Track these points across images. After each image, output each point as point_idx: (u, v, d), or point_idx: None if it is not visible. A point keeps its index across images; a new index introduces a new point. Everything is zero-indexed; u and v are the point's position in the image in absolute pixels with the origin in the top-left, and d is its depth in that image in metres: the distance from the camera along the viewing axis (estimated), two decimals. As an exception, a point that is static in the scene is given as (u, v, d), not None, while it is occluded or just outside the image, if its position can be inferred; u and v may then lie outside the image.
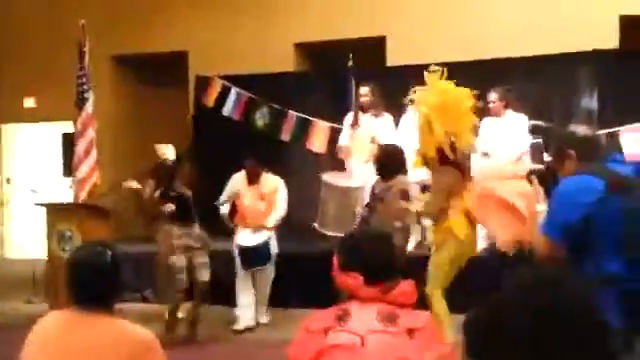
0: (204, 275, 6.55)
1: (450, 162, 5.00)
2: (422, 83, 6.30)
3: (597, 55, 8.44)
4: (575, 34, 8.48)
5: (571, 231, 2.86)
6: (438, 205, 5.06)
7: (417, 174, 6.23)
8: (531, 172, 5.98)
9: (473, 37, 9.00)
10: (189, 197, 6.74)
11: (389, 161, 5.85)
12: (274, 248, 6.93)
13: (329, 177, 7.18)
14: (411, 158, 5.76)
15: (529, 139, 7.41)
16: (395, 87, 7.51)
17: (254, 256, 6.80)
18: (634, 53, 8.55)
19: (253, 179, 6.96)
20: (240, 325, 6.85)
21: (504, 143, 7.19)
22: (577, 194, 2.90)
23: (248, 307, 6.92)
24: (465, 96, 5.12)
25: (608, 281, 2.71)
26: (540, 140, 7.54)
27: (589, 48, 8.37)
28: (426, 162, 5.23)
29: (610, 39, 8.59)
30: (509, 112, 7.40)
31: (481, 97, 5.88)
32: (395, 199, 5.60)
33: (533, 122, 7.33)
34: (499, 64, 8.70)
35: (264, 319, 7.05)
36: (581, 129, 3.27)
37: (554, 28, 8.70)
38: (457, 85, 5.18)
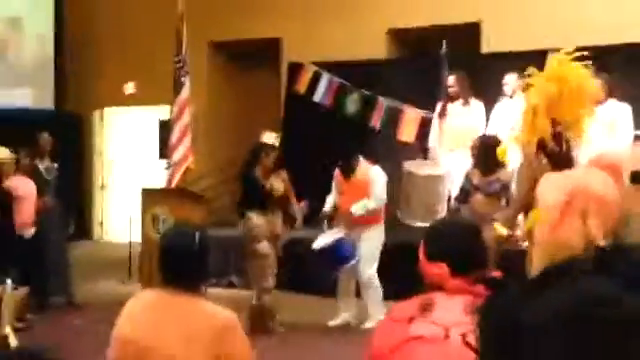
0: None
1: (550, 154, 4.72)
2: (519, 70, 6.09)
3: None
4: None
5: None
6: (516, 209, 4.80)
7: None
8: None
9: (571, 23, 8.65)
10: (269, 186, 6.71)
11: (490, 153, 5.64)
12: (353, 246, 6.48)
13: (411, 166, 7.04)
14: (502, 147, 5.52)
15: (632, 131, 7.07)
16: (490, 74, 7.35)
17: (325, 258, 6.56)
18: None
19: (347, 173, 6.62)
20: (337, 321, 6.70)
21: (606, 133, 6.86)
22: None
23: (346, 304, 6.74)
24: (589, 84, 4.74)
25: None
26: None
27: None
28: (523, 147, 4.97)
29: None
30: (611, 101, 7.08)
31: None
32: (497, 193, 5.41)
33: (637, 132, 6.90)
34: (599, 51, 8.32)
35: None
36: None
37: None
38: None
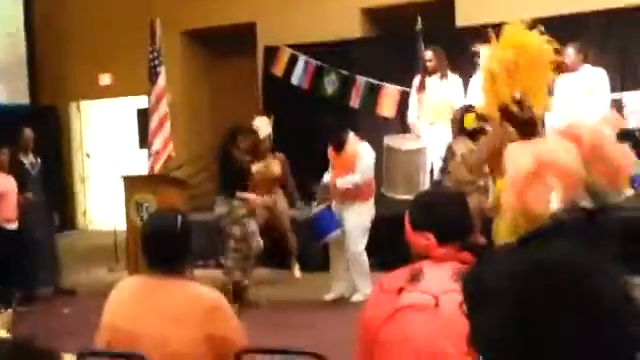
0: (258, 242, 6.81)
1: (513, 119, 4.76)
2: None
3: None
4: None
5: None
6: (478, 159, 4.85)
7: None
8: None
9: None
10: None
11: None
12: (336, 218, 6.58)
13: (392, 140, 7.06)
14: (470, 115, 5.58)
15: (609, 95, 7.12)
16: (465, 48, 7.33)
17: (309, 230, 6.75)
18: None
19: (338, 148, 6.60)
20: (331, 295, 6.76)
21: (583, 99, 6.91)
22: None
23: (338, 278, 6.80)
24: (546, 52, 4.79)
25: None
26: (621, 97, 7.23)
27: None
28: (484, 120, 5.04)
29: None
30: (586, 66, 7.12)
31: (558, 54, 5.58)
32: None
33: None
34: (574, 18, 8.37)
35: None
36: None
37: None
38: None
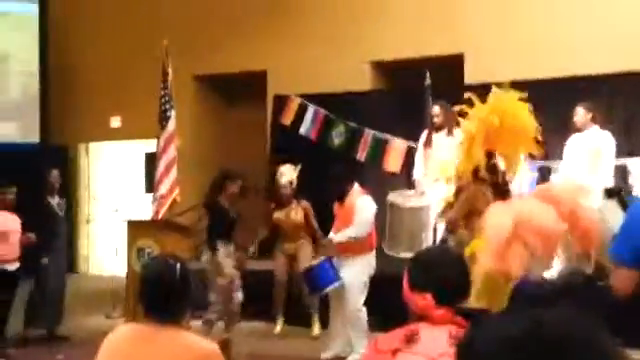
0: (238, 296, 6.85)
1: (485, 182, 4.79)
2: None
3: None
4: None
5: None
6: (455, 217, 4.85)
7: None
8: None
9: (553, 53, 8.75)
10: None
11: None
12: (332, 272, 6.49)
13: (395, 197, 7.05)
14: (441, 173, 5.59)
15: (614, 159, 7.11)
16: (474, 105, 7.38)
17: (307, 281, 6.71)
18: None
19: (340, 198, 6.61)
20: (328, 354, 6.63)
21: (588, 160, 6.90)
22: None
23: (336, 335, 6.68)
24: (530, 125, 4.87)
25: None
26: (625, 163, 7.21)
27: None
28: (459, 178, 5.08)
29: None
30: (595, 127, 7.13)
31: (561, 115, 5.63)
32: None
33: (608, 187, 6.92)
34: (582, 82, 8.43)
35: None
36: None
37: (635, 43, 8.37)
38: (536, 104, 4.95)
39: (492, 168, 4.66)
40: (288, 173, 7.55)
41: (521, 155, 4.81)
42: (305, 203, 7.60)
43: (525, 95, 4.91)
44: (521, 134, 4.79)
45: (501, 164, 4.90)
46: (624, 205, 3.21)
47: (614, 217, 3.45)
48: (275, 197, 7.63)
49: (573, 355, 0.99)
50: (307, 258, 7.40)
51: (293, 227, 7.56)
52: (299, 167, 7.62)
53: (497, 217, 4.05)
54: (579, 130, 7.14)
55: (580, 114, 7.12)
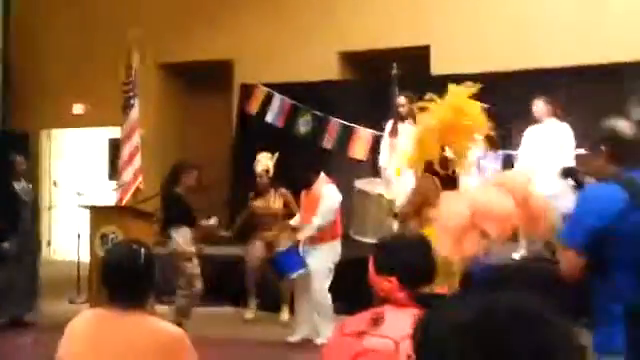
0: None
1: (436, 174, 4.91)
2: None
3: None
4: (622, 43, 8.29)
5: (591, 240, 2.72)
6: (409, 210, 4.96)
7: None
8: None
9: (517, 46, 8.86)
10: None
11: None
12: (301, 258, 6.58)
13: (362, 184, 7.12)
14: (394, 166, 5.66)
15: (574, 150, 7.24)
16: (439, 96, 7.45)
17: (274, 267, 6.80)
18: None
19: (306, 187, 6.69)
20: (294, 337, 6.71)
21: (547, 152, 7.02)
22: (603, 202, 2.75)
23: (302, 320, 6.77)
24: (481, 122, 5.02)
25: (618, 297, 2.68)
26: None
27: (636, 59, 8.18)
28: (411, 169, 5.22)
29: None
30: (552, 120, 7.26)
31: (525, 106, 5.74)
32: None
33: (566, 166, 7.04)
34: (545, 74, 8.56)
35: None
36: (622, 125, 2.94)
37: (600, 36, 8.51)
38: (501, 95, 5.07)
39: (444, 161, 4.79)
40: (264, 161, 7.52)
41: (469, 150, 4.95)
42: (284, 190, 7.56)
43: (476, 91, 5.02)
44: (472, 130, 4.93)
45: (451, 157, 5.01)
46: (580, 185, 3.29)
47: (569, 198, 3.55)
48: (254, 185, 7.57)
49: (523, 337, 1.00)
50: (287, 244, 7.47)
51: (272, 215, 7.54)
52: (276, 155, 7.57)
53: (453, 205, 4.18)
54: (538, 121, 7.25)
55: (539, 106, 7.23)
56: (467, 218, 3.91)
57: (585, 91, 8.34)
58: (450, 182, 4.83)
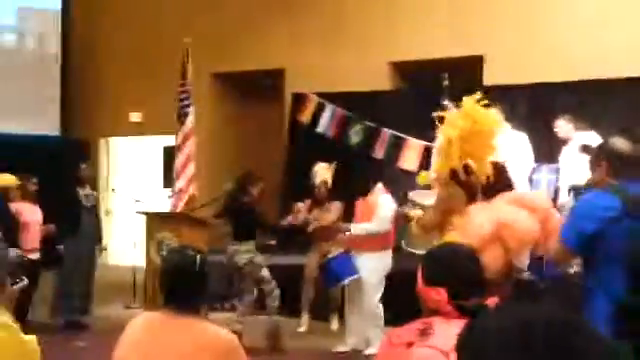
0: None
1: (461, 183, 4.93)
2: (518, 102, 6.21)
3: None
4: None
5: (585, 242, 3.02)
6: (435, 219, 4.96)
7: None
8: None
9: (571, 57, 8.74)
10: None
11: (497, 178, 5.70)
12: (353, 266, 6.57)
13: (415, 195, 7.10)
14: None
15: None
16: (492, 106, 7.41)
17: (325, 274, 6.80)
18: None
19: (362, 195, 6.74)
20: (344, 347, 6.72)
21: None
22: (598, 209, 3.02)
23: (352, 330, 6.75)
24: (496, 127, 5.12)
25: (608, 295, 2.91)
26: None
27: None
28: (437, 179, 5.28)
29: None
30: (577, 135, 7.24)
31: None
32: None
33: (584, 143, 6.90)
34: (596, 84, 8.44)
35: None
36: (620, 142, 3.23)
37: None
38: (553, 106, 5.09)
39: (467, 170, 4.84)
40: (322, 172, 7.44)
41: (488, 159, 4.99)
42: (337, 202, 7.45)
43: (492, 102, 5.15)
44: (489, 139, 5.02)
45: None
46: None
47: None
48: (312, 196, 7.51)
49: (569, 341, 1.06)
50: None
51: (327, 229, 7.37)
52: (334, 165, 7.51)
53: (479, 217, 4.30)
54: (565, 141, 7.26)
55: (561, 126, 7.26)
56: (491, 231, 4.01)
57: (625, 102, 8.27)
58: (473, 191, 4.89)
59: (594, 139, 7.22)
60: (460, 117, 4.99)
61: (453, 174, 4.87)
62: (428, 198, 7.26)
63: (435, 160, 5.32)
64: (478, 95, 5.04)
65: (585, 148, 6.46)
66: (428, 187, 6.94)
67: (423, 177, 7.00)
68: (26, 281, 3.50)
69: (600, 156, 3.25)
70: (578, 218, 3.12)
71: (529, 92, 8.55)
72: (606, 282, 2.95)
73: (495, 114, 5.12)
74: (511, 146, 7.03)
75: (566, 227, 3.19)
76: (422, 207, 5.77)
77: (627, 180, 3.06)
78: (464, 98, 5.09)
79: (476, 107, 5.01)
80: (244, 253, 6.85)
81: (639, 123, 8.21)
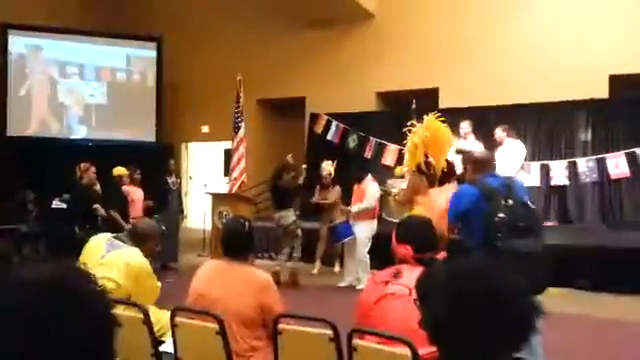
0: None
1: (423, 173, 4.92)
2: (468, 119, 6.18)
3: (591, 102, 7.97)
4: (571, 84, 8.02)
5: (460, 217, 3.28)
6: (407, 196, 4.97)
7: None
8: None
9: (503, 87, 8.66)
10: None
11: (449, 171, 5.70)
12: (351, 230, 6.56)
13: (391, 182, 7.10)
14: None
15: (521, 161, 7.10)
16: (446, 123, 7.37)
17: (333, 234, 6.79)
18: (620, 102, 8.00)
19: (357, 182, 6.70)
20: (343, 283, 6.68)
21: (503, 164, 6.92)
22: (465, 196, 3.27)
23: (349, 272, 6.73)
24: (448, 136, 5.12)
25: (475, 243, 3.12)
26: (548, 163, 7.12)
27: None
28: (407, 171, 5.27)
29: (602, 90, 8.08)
30: (509, 140, 7.14)
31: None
32: None
33: (459, 146, 6.76)
34: (516, 108, 8.36)
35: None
36: (479, 153, 3.65)
37: (557, 79, 8.25)
38: (486, 123, 5.00)
39: (427, 165, 4.82)
40: (327, 167, 7.38)
41: (443, 158, 4.96)
42: (338, 188, 7.39)
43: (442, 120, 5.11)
44: (443, 144, 5.02)
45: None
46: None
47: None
48: (319, 183, 7.47)
49: (477, 284, 1.05)
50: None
51: (330, 205, 7.37)
52: (335, 162, 7.47)
53: (438, 197, 4.35)
54: (499, 145, 7.17)
55: (497, 133, 7.18)
56: (445, 207, 4.03)
57: (547, 121, 8.11)
58: (432, 180, 4.88)
59: (518, 146, 7.17)
60: (423, 129, 4.97)
61: (418, 167, 4.86)
62: (399, 184, 7.26)
63: (406, 158, 5.28)
64: (436, 114, 5.03)
65: (458, 151, 6.40)
66: (401, 177, 6.94)
67: (399, 170, 7.01)
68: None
69: (467, 161, 3.52)
70: (455, 202, 3.33)
71: (470, 113, 8.51)
72: (472, 236, 3.19)
73: (446, 128, 5.09)
74: (509, 151, 7.05)
75: (450, 209, 3.38)
76: (396, 189, 5.74)
77: (482, 175, 3.30)
78: (425, 117, 5.09)
79: (434, 122, 4.99)
80: (288, 217, 6.81)
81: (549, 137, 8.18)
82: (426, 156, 4.85)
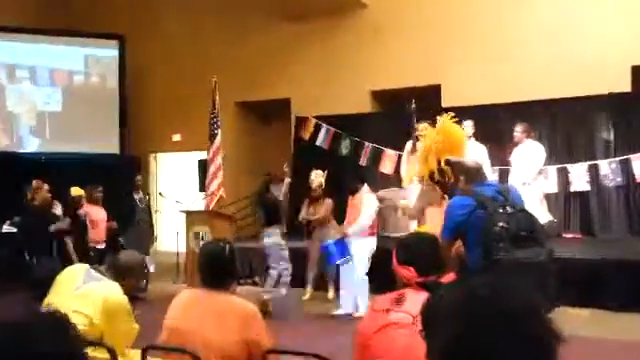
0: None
1: (436, 182, 4.96)
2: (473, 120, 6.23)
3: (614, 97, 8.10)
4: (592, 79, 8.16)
5: (456, 229, 3.35)
6: (418, 209, 5.02)
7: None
8: None
9: (511, 82, 8.77)
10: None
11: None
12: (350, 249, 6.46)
13: (385, 193, 7.13)
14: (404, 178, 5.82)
15: (540, 164, 7.19)
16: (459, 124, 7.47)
17: (326, 254, 6.69)
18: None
19: (351, 194, 6.68)
20: (339, 311, 6.61)
21: (522, 165, 7.01)
22: (459, 208, 3.37)
23: (345, 297, 6.67)
24: (462, 139, 5.18)
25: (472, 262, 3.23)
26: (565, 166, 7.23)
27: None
28: (419, 180, 5.30)
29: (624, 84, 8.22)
30: (529, 141, 7.22)
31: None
32: None
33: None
34: (529, 105, 8.46)
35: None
36: (469, 162, 3.79)
37: (574, 73, 8.38)
38: (496, 123, 5.07)
39: (441, 172, 4.82)
40: (317, 178, 7.40)
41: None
42: (328, 200, 7.41)
43: (457, 119, 5.16)
44: (457, 148, 5.04)
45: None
46: None
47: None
48: (307, 196, 7.47)
49: (501, 306, 1.07)
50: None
51: (321, 220, 7.39)
52: (325, 172, 7.49)
53: (434, 216, 4.41)
54: (518, 144, 7.26)
55: (517, 131, 7.27)
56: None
57: (563, 119, 8.22)
58: (446, 188, 4.89)
59: (537, 148, 7.29)
60: (436, 133, 4.97)
61: (431, 176, 4.87)
62: (392, 194, 7.32)
63: (416, 165, 5.27)
64: (450, 114, 5.02)
65: (447, 162, 6.49)
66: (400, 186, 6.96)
67: (410, 179, 6.92)
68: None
69: (458, 171, 3.66)
70: (450, 213, 3.43)
71: (474, 111, 8.60)
72: (470, 250, 3.30)
73: (461, 130, 5.10)
74: (474, 154, 7.08)
75: (444, 226, 3.43)
76: (389, 200, 5.77)
77: (475, 184, 3.45)
78: (438, 117, 5.07)
79: (448, 124, 4.99)
80: (273, 235, 6.81)
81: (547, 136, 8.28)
82: (438, 162, 4.85)
